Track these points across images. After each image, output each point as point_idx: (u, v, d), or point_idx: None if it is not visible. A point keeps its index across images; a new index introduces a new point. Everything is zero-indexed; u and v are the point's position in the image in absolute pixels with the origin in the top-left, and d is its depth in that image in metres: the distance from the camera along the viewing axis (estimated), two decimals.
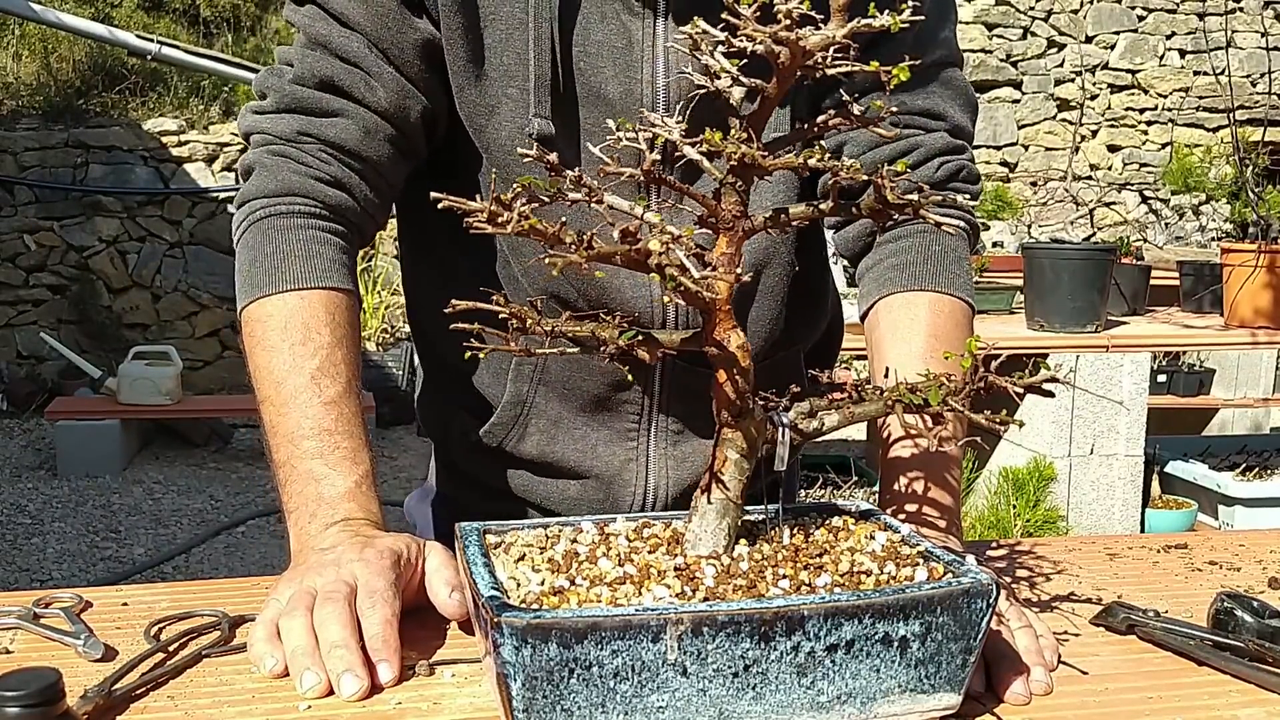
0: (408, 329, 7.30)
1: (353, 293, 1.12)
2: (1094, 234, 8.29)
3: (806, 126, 0.83)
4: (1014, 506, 3.85)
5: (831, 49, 0.76)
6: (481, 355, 0.83)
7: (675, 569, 0.83)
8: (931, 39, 1.17)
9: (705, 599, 0.78)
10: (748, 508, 0.90)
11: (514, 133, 1.11)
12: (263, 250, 1.09)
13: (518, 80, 1.10)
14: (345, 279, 1.11)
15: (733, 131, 0.80)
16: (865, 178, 0.81)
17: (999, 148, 8.60)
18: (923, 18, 0.78)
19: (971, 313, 1.17)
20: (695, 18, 0.78)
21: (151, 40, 7.59)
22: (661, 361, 1.16)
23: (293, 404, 1.03)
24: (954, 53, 1.22)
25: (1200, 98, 8.71)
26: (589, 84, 1.11)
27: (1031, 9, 8.59)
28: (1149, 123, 8.78)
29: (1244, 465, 4.18)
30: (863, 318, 1.22)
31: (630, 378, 0.99)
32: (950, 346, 1.09)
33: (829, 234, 1.30)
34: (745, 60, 0.78)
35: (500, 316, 0.83)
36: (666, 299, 0.80)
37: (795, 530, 0.91)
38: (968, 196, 1.20)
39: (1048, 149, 8.64)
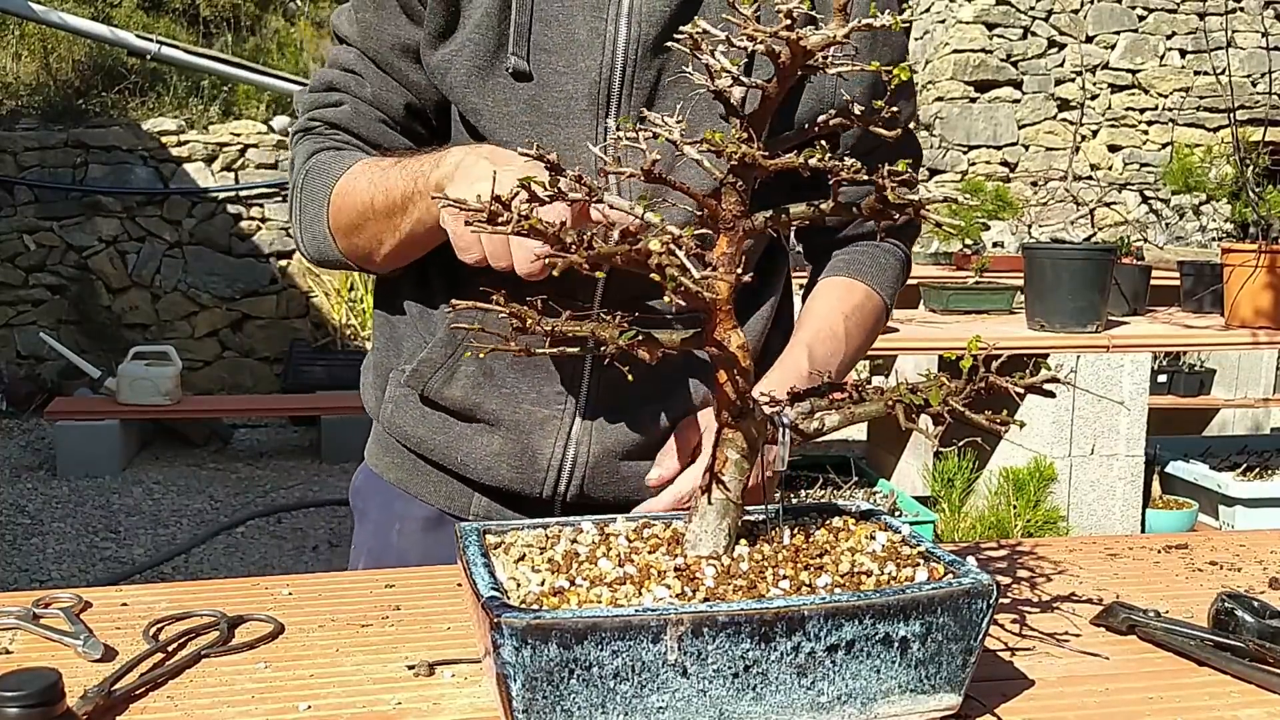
0: None
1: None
2: (1094, 234, 8.29)
3: (808, 127, 0.84)
4: (1014, 506, 3.84)
5: (831, 48, 0.76)
6: (480, 354, 0.83)
7: (675, 569, 0.83)
8: (908, 105, 1.34)
9: (705, 599, 0.78)
10: (748, 508, 0.90)
11: (472, 74, 1.21)
12: (309, 194, 1.28)
13: (484, 29, 1.20)
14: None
15: (733, 131, 0.80)
16: (865, 178, 0.81)
17: (999, 148, 8.60)
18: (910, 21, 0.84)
19: (887, 314, 1.39)
20: (695, 18, 0.78)
21: (151, 40, 7.60)
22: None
23: (373, 184, 1.20)
24: (916, 108, 1.39)
25: (1200, 98, 8.71)
26: (565, 28, 1.19)
27: (1032, 9, 8.59)
28: (1149, 123, 8.78)
29: (1244, 465, 4.17)
30: (808, 289, 1.39)
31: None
32: (865, 325, 1.33)
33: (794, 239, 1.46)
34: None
35: (500, 316, 0.83)
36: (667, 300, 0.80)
37: (795, 530, 0.91)
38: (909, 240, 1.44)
39: (1048, 149, 8.64)
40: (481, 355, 0.84)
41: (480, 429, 1.28)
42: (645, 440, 1.27)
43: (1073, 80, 8.54)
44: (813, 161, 0.79)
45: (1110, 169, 8.73)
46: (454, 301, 0.88)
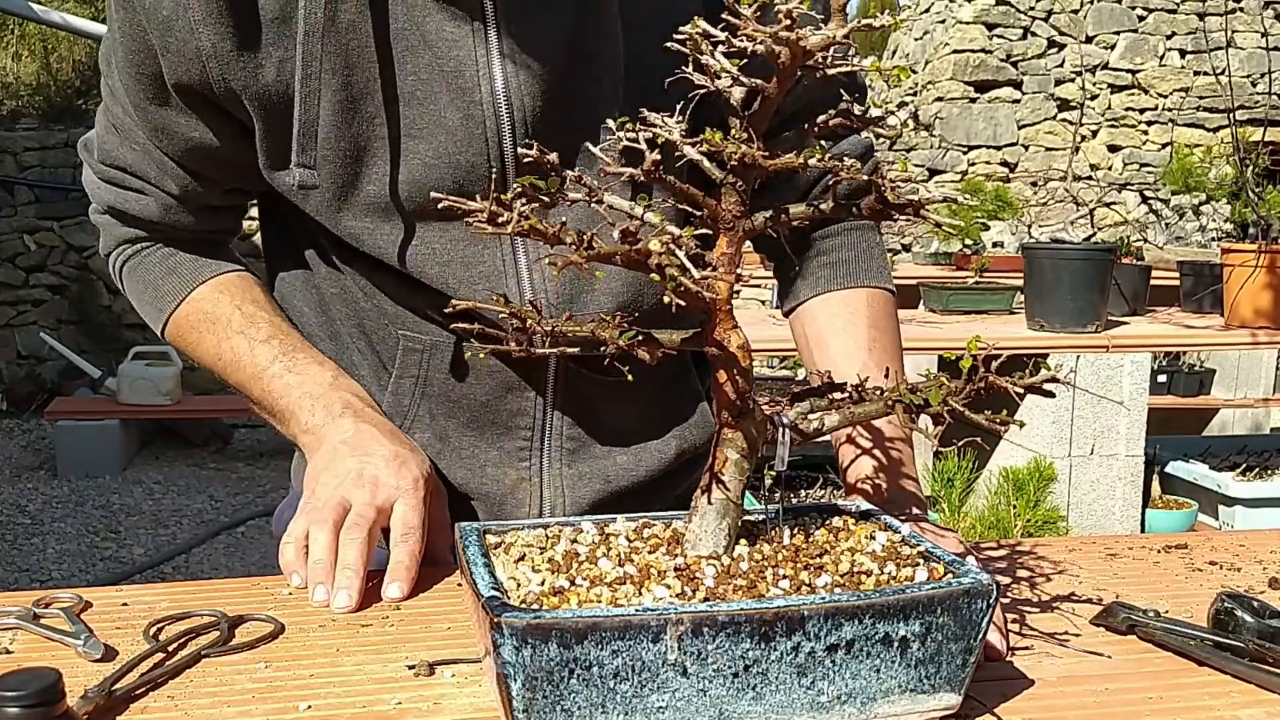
0: None
1: (223, 271, 1.21)
2: (1094, 234, 8.29)
3: (807, 127, 0.84)
4: (1014, 506, 3.84)
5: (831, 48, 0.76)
6: (479, 354, 0.84)
7: (675, 569, 0.83)
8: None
9: (705, 599, 0.78)
10: (747, 507, 0.90)
11: (339, 194, 1.07)
12: (138, 290, 1.22)
13: (327, 142, 1.04)
14: (210, 270, 1.21)
15: (733, 131, 0.80)
16: (865, 179, 0.81)
17: (999, 148, 8.60)
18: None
19: (895, 301, 1.26)
20: (696, 17, 0.78)
21: None
22: (554, 367, 1.15)
23: (241, 359, 1.16)
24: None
25: (1200, 98, 8.71)
26: (428, 111, 1.04)
27: (1031, 9, 8.59)
28: (1149, 123, 8.79)
29: (1244, 465, 4.18)
30: (789, 312, 1.28)
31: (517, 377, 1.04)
32: (886, 335, 1.21)
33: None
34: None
35: (500, 317, 0.83)
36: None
37: (795, 530, 0.91)
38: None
39: (1048, 149, 8.64)
40: (481, 356, 0.85)
41: (450, 498, 1.20)
42: (618, 493, 1.21)
43: (1072, 80, 8.54)
44: (813, 161, 0.79)
45: (1110, 169, 8.73)
46: (454, 301, 0.88)
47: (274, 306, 1.21)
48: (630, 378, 1.03)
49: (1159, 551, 1.23)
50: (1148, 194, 8.68)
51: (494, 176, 1.05)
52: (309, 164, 1.03)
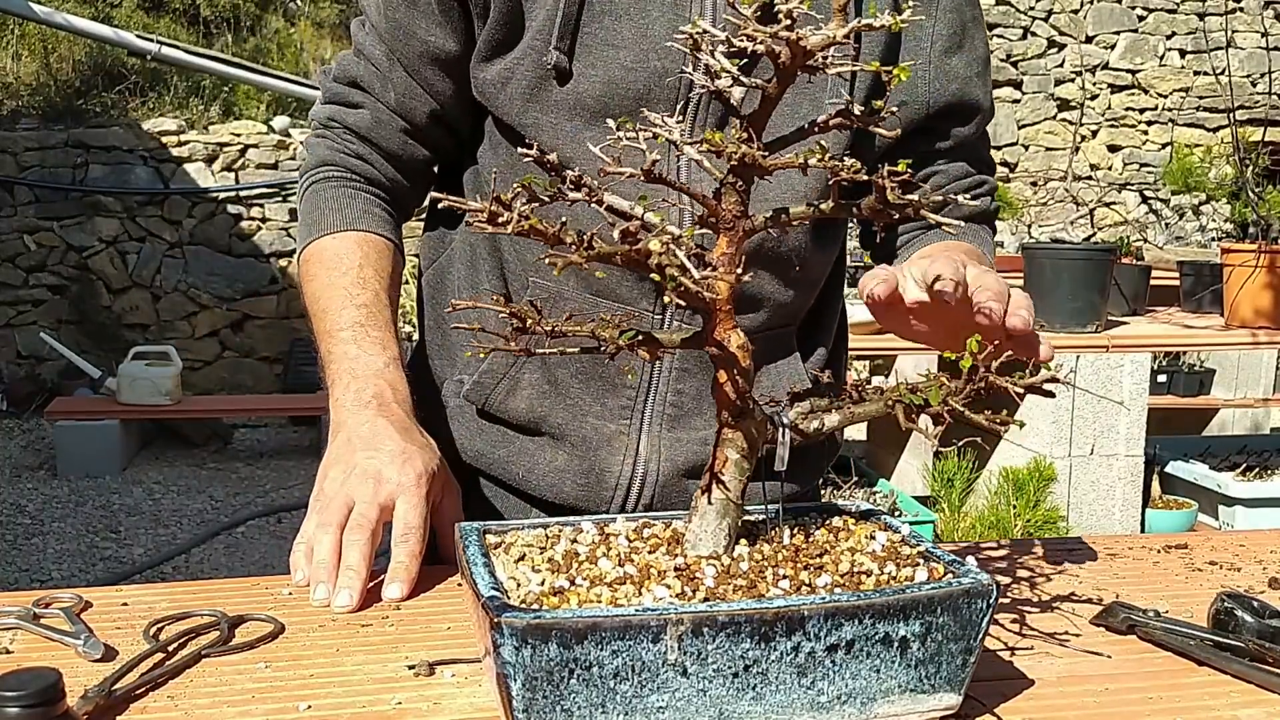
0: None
1: (379, 232, 1.28)
2: (1094, 234, 8.29)
3: (807, 127, 0.84)
4: (1014, 506, 3.84)
5: (831, 48, 0.76)
6: (480, 354, 0.84)
7: (675, 569, 0.83)
8: (990, 101, 1.34)
9: (705, 599, 0.78)
10: (748, 507, 0.90)
11: (533, 86, 1.16)
12: (307, 209, 1.30)
13: (546, 34, 1.15)
14: (371, 224, 1.28)
15: (733, 131, 0.80)
16: (866, 178, 0.81)
17: (999, 148, 8.60)
18: (921, 18, 0.86)
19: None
20: (695, 18, 0.78)
21: (152, 40, 7.60)
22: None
23: (330, 310, 1.22)
24: (992, 100, 1.39)
25: (1200, 98, 8.71)
26: (636, 25, 1.13)
27: (1031, 9, 8.59)
28: (1149, 123, 8.78)
29: (1244, 465, 4.18)
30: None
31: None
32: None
33: (857, 237, 1.40)
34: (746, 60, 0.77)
35: (500, 316, 0.83)
36: (667, 299, 0.80)
37: (795, 530, 0.91)
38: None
39: (1048, 149, 8.64)
40: (483, 355, 0.85)
41: (544, 443, 1.25)
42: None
43: (1073, 80, 8.54)
44: (813, 161, 0.79)
45: (1110, 169, 8.73)
46: (453, 301, 0.89)
47: (393, 284, 1.27)
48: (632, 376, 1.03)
49: (1159, 551, 1.23)
50: (1148, 194, 8.67)
51: (682, 83, 1.13)
52: (565, 50, 1.14)
